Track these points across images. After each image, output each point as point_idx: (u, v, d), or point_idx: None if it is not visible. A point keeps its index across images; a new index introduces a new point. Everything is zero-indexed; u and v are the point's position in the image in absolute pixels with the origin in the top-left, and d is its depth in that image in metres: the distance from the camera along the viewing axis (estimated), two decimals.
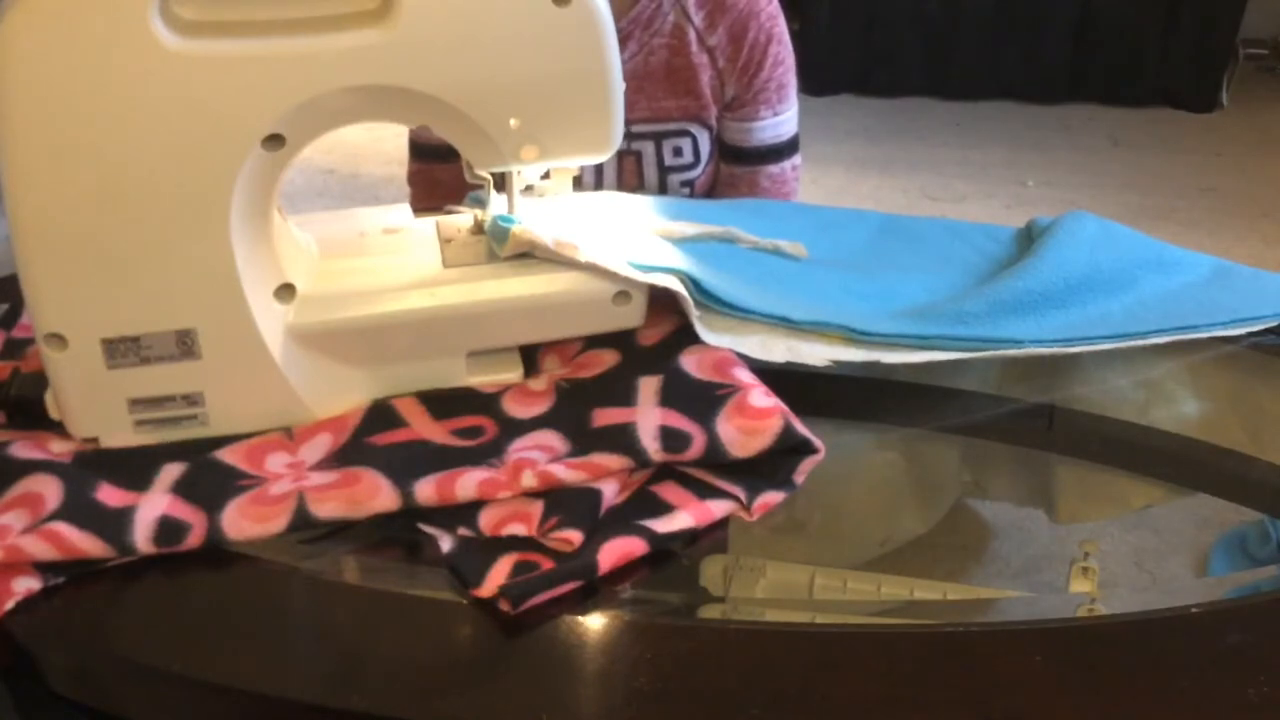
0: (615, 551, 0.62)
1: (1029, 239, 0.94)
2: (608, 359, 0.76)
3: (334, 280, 0.74)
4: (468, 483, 0.65)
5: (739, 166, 1.22)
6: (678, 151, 1.20)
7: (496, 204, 0.79)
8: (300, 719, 0.55)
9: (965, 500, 0.83)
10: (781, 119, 1.21)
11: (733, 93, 1.18)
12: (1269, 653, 0.56)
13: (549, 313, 0.75)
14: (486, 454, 0.68)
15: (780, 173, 1.23)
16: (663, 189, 1.21)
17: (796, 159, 1.25)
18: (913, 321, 0.80)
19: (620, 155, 1.18)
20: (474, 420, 0.72)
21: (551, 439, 0.70)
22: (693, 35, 1.16)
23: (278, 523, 0.64)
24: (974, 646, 0.57)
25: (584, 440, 0.69)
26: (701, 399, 0.70)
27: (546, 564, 0.61)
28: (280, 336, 0.70)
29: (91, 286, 0.66)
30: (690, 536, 0.65)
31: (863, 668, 0.56)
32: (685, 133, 1.19)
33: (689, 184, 1.22)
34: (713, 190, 1.26)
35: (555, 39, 0.68)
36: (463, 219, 0.82)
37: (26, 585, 0.60)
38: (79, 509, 0.63)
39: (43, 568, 0.61)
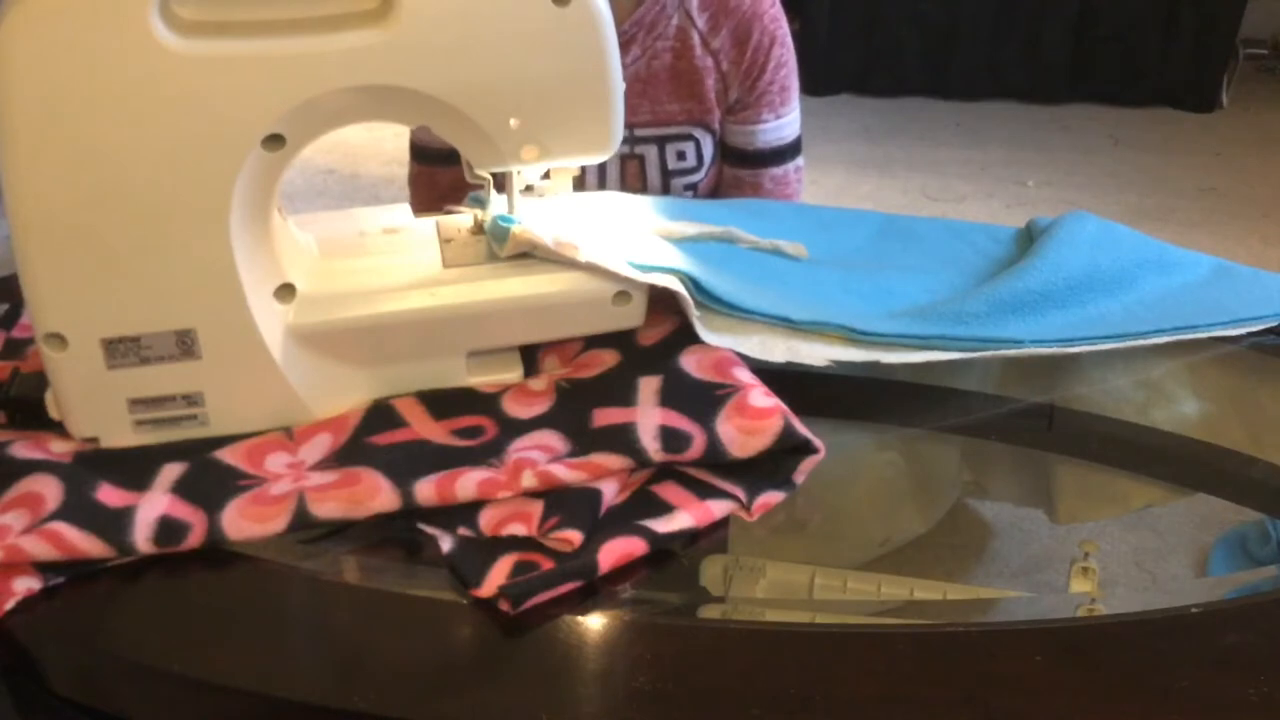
0: (615, 551, 0.62)
1: (1029, 239, 0.94)
2: (608, 359, 0.76)
3: (334, 280, 0.74)
4: (468, 483, 0.65)
5: (742, 169, 1.22)
6: (681, 155, 1.19)
7: (496, 204, 0.79)
8: (300, 719, 0.55)
9: (965, 500, 0.83)
10: (784, 121, 1.21)
11: (736, 96, 1.18)
12: (1269, 653, 0.56)
13: (549, 313, 0.75)
14: (486, 454, 0.68)
15: (784, 175, 1.23)
16: (666, 193, 1.21)
17: (799, 160, 1.24)
18: (913, 321, 0.80)
19: (623, 159, 1.18)
20: (474, 420, 0.72)
21: (551, 439, 0.70)
22: (696, 38, 1.15)
23: (278, 523, 0.64)
24: (974, 646, 0.57)
25: (584, 440, 0.69)
26: (701, 399, 0.70)
27: (546, 564, 0.61)
28: (280, 336, 0.70)
29: (91, 286, 0.66)
30: (690, 536, 0.64)
31: (863, 668, 0.56)
32: (689, 136, 1.19)
33: (692, 187, 1.22)
34: (715, 193, 1.25)
35: (555, 39, 0.68)
36: (463, 219, 0.82)
37: (26, 585, 0.60)
38: (79, 509, 0.63)
39: (43, 568, 0.61)
